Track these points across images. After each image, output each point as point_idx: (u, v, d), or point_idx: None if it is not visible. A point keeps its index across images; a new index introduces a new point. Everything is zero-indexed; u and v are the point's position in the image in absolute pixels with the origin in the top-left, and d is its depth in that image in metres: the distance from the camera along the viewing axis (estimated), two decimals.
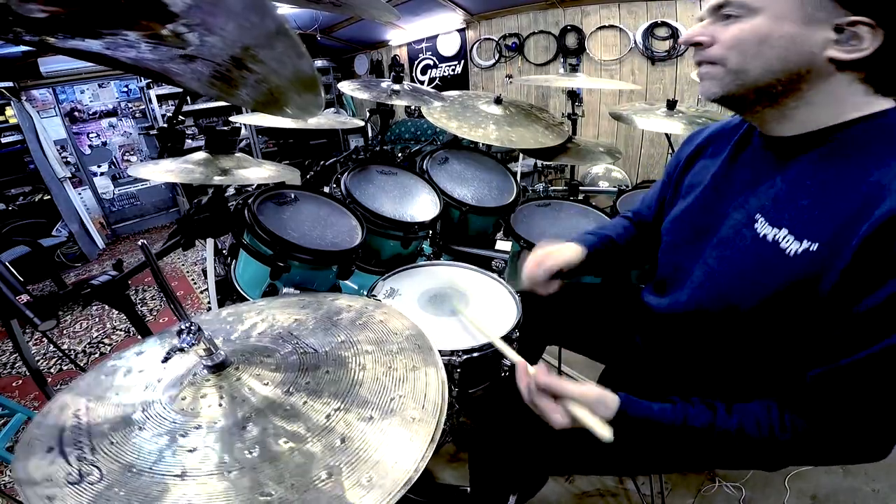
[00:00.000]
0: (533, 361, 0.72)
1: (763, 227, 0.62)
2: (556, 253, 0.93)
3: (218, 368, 0.63)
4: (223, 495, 0.48)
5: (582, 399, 0.64)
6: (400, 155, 2.15)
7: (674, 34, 3.04)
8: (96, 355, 2.53)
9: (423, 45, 4.67)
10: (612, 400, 0.65)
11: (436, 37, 4.51)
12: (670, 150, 2.02)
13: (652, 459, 0.81)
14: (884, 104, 0.57)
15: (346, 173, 1.57)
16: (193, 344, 0.59)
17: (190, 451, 0.53)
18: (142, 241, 0.61)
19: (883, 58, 0.54)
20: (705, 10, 0.66)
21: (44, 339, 2.56)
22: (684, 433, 0.63)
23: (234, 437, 0.54)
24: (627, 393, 0.66)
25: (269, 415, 0.57)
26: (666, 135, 2.06)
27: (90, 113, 4.29)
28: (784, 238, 0.59)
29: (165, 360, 0.59)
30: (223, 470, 0.50)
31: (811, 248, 0.56)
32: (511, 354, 0.80)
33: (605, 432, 0.60)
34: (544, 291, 0.94)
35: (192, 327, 0.59)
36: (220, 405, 0.59)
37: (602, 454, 0.79)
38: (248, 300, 1.26)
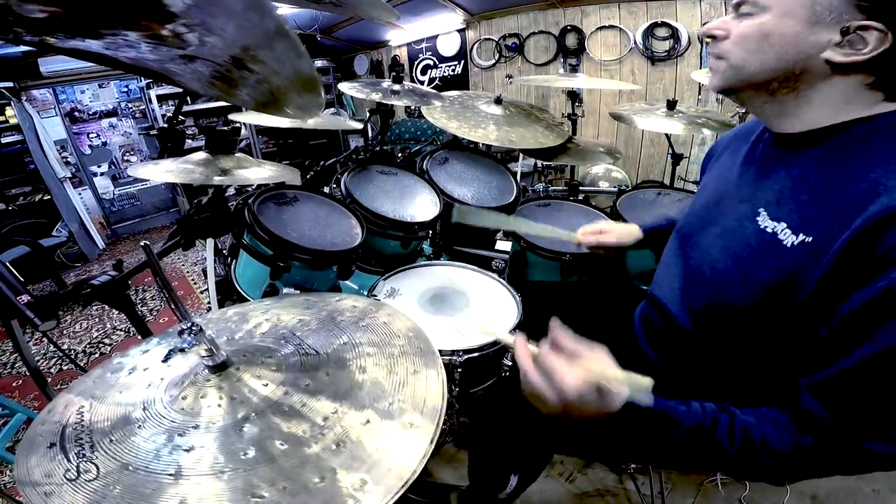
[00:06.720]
0: None
1: (764, 221, 0.63)
2: (614, 231, 1.09)
3: (219, 369, 0.63)
4: (215, 496, 0.48)
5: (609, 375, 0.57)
6: (400, 155, 2.15)
7: (674, 34, 3.03)
8: (96, 355, 2.52)
9: (423, 45, 4.66)
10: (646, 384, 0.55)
11: (436, 37, 4.50)
12: (670, 150, 2.02)
13: (657, 450, 0.77)
14: (889, 107, 0.56)
15: (346, 173, 1.58)
16: (194, 345, 0.59)
17: (186, 450, 0.53)
18: (144, 241, 0.61)
19: (890, 62, 0.54)
20: (731, 5, 0.67)
21: (44, 339, 2.56)
22: (704, 441, 0.59)
23: (230, 437, 0.54)
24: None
25: (267, 416, 0.57)
26: (666, 135, 2.06)
27: (90, 113, 4.28)
28: (782, 231, 0.60)
29: (166, 359, 0.59)
30: (217, 470, 0.50)
31: (806, 240, 0.56)
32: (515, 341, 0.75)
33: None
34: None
35: (194, 328, 0.59)
36: (220, 405, 0.59)
37: (606, 438, 0.78)
38: (248, 300, 1.26)
